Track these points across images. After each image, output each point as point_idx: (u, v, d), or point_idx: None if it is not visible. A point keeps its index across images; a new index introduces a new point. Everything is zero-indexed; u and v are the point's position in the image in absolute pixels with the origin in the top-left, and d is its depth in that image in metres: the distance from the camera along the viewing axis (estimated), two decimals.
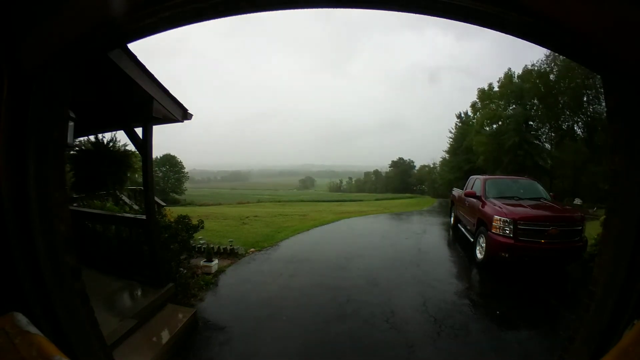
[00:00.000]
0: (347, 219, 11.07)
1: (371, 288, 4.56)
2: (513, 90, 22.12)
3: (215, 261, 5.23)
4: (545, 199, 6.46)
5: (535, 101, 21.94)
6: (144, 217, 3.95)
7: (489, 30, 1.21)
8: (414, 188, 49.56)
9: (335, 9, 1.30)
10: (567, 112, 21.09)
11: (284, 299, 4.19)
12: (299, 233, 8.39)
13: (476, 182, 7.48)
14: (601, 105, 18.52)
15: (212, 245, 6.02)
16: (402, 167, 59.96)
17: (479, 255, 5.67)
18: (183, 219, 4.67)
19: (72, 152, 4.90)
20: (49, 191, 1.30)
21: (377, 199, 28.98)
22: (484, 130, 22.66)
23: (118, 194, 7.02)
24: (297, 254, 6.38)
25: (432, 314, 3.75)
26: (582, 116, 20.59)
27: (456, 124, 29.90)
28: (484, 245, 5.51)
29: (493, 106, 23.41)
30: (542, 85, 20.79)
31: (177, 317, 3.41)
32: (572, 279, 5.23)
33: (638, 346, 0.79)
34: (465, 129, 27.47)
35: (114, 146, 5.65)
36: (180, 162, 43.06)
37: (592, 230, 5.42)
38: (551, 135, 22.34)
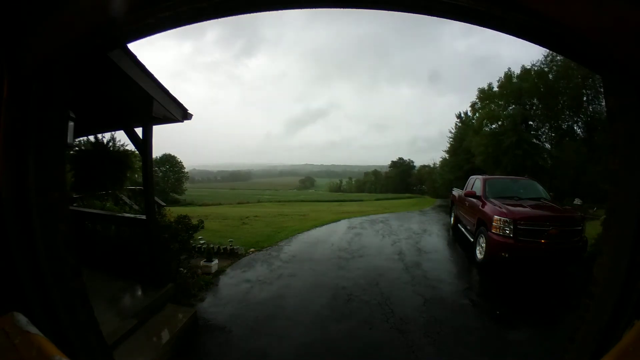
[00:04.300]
0: (347, 219, 11.07)
1: (372, 288, 4.56)
2: (512, 90, 22.11)
3: (215, 261, 5.23)
4: (545, 199, 6.46)
5: (535, 101, 21.93)
6: (144, 217, 3.95)
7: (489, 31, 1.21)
8: (414, 188, 49.46)
9: (335, 9, 1.30)
10: (567, 112, 21.09)
11: (284, 299, 4.19)
12: (299, 233, 8.40)
13: (476, 182, 7.48)
14: (601, 105, 18.51)
15: (212, 245, 6.02)
16: (401, 167, 59.84)
17: (479, 255, 5.67)
18: (183, 219, 4.67)
19: (72, 152, 4.91)
20: (49, 191, 1.30)
21: (377, 199, 28.97)
22: (484, 130, 22.65)
23: (118, 194, 7.02)
24: (297, 253, 6.38)
25: (433, 314, 3.75)
26: (582, 116, 20.59)
27: (456, 124, 29.87)
28: (484, 245, 5.51)
29: (493, 106, 23.40)
30: (541, 85, 20.79)
31: (177, 317, 3.42)
32: (572, 279, 5.23)
33: (638, 346, 0.79)
34: (465, 129, 27.45)
35: (113, 146, 5.65)
36: (180, 162, 43.02)
37: (592, 230, 5.42)
38: (551, 135, 22.34)
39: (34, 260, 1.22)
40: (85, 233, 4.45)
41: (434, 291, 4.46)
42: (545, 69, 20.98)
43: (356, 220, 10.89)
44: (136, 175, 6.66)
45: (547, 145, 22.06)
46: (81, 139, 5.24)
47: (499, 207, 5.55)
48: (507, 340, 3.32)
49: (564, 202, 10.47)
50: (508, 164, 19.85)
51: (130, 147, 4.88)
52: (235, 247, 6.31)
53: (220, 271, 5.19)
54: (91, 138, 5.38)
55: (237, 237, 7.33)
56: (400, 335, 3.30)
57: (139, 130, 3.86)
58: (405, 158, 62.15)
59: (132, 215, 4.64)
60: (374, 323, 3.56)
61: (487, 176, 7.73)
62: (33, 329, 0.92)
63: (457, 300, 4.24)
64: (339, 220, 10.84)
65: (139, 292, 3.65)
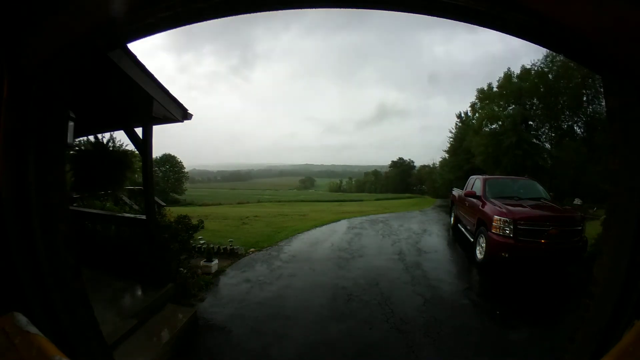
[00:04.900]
0: (347, 219, 11.07)
1: (372, 288, 4.56)
2: (512, 90, 22.11)
3: (215, 261, 5.23)
4: (545, 199, 6.46)
5: (535, 101, 21.94)
6: (144, 217, 3.96)
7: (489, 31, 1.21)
8: (414, 188, 49.44)
9: (334, 9, 1.30)
10: (567, 112, 21.08)
11: (284, 299, 4.19)
12: (299, 233, 8.40)
13: (476, 182, 7.48)
14: (601, 105, 18.51)
15: (212, 245, 6.02)
16: (402, 167, 59.83)
17: (479, 256, 5.67)
18: (183, 219, 4.67)
19: (72, 152, 4.90)
20: (49, 191, 1.30)
21: (377, 199, 28.98)
22: (484, 130, 22.65)
23: (118, 194, 7.01)
24: (297, 253, 6.38)
25: (433, 314, 3.75)
26: (582, 116, 20.59)
27: (456, 124, 29.83)
28: (484, 245, 5.50)
29: (494, 107, 23.39)
30: (541, 85, 20.79)
31: (177, 317, 3.42)
32: (572, 279, 5.23)
33: (638, 346, 0.79)
34: (465, 129, 27.44)
35: (113, 146, 5.63)
36: (180, 162, 42.97)
37: (592, 230, 5.42)
38: (551, 135, 22.34)
39: (34, 261, 1.22)
40: (85, 233, 4.45)
41: (434, 291, 4.46)
42: (545, 69, 20.99)
43: (356, 220, 10.89)
44: (136, 175, 6.66)
45: (547, 145, 22.05)
46: (81, 139, 5.23)
47: (499, 207, 5.55)
48: (508, 340, 3.32)
49: (564, 202, 10.47)
50: (508, 164, 19.84)
51: (130, 147, 4.87)
52: (235, 247, 6.31)
53: (220, 271, 5.19)
54: (91, 138, 5.37)
55: (237, 237, 7.33)
56: (400, 335, 3.30)
57: (139, 130, 3.86)
58: (406, 158, 62.12)
59: (132, 215, 4.64)
60: (374, 323, 3.56)
61: (487, 176, 7.73)
62: (33, 329, 0.92)
63: (457, 300, 4.24)
64: (339, 220, 10.83)
65: (139, 292, 3.65)
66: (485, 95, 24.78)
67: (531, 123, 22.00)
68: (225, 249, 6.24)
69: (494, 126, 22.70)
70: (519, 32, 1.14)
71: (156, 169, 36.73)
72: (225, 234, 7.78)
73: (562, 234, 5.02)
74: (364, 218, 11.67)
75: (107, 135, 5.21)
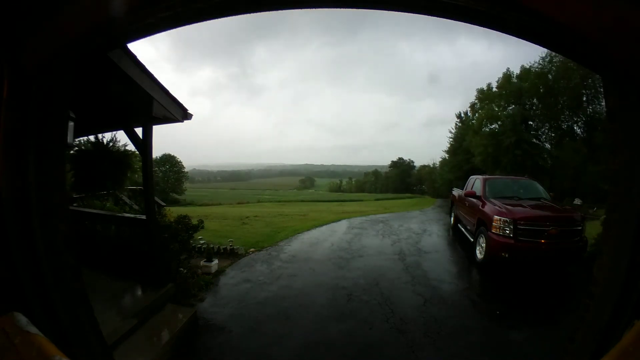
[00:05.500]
0: (347, 219, 11.07)
1: (372, 288, 4.56)
2: (512, 90, 22.12)
3: (215, 261, 5.23)
4: (545, 199, 6.46)
5: (535, 101, 21.95)
6: (144, 217, 3.96)
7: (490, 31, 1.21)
8: (414, 188, 49.42)
9: (335, 9, 1.30)
10: (567, 112, 21.09)
11: (284, 299, 4.19)
12: (299, 233, 8.40)
13: (476, 182, 7.48)
14: (601, 105, 18.53)
15: (212, 246, 6.02)
16: (401, 167, 59.81)
17: (479, 256, 5.67)
18: (183, 219, 4.67)
19: (72, 152, 4.90)
20: (49, 191, 1.30)
21: (377, 199, 28.97)
22: (484, 130, 22.64)
23: (118, 194, 7.02)
24: (297, 253, 6.38)
25: (433, 314, 3.76)
26: (582, 116, 20.60)
27: (456, 124, 29.85)
28: (484, 245, 5.50)
29: (494, 107, 23.38)
30: (541, 85, 20.81)
31: (177, 317, 3.42)
32: (572, 279, 5.23)
33: (638, 346, 0.79)
34: (465, 129, 27.45)
35: (113, 146, 5.64)
36: (180, 161, 42.98)
37: (592, 230, 5.42)
38: (551, 135, 22.35)
39: (34, 260, 1.22)
40: (85, 233, 4.45)
41: (434, 291, 4.46)
42: (545, 70, 21.01)
43: (356, 220, 10.89)
44: (136, 175, 6.66)
45: (547, 145, 22.05)
46: (81, 139, 5.23)
47: (499, 207, 5.55)
48: (508, 340, 3.32)
49: (564, 202, 10.47)
50: (508, 164, 19.85)
51: (130, 147, 4.87)
52: (235, 247, 6.31)
53: (220, 271, 5.19)
54: (91, 138, 5.37)
55: (237, 237, 7.33)
56: (400, 335, 3.30)
57: (139, 130, 3.86)
58: (405, 158, 62.13)
59: (132, 215, 4.64)
60: (374, 323, 3.56)
61: (487, 176, 7.74)
62: (33, 329, 0.92)
63: (457, 300, 4.24)
64: (339, 220, 10.83)
65: (139, 292, 3.65)
66: (484, 96, 24.78)
67: (531, 123, 22.00)
68: (225, 249, 6.24)
69: (493, 126, 22.70)
70: (519, 32, 1.13)
71: (156, 169, 36.71)
72: (225, 234, 7.78)
73: (562, 234, 5.01)
74: (364, 218, 11.67)
75: (107, 135, 5.22)
